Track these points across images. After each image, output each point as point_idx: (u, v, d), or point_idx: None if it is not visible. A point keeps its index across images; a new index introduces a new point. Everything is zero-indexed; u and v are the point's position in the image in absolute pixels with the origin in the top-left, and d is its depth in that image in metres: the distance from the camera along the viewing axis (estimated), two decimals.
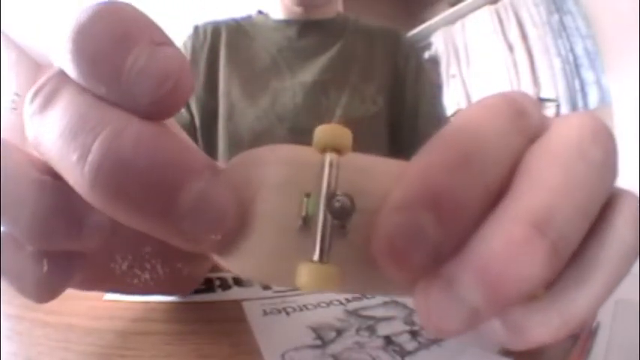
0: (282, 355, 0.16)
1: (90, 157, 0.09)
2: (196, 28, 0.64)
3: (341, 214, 0.10)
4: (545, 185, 0.11)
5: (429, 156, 0.11)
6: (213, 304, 0.23)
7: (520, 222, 0.10)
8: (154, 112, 0.10)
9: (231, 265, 0.12)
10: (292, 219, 0.11)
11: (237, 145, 0.59)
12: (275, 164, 0.11)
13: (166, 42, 0.10)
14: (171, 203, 0.10)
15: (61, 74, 0.11)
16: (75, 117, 0.10)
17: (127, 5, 0.11)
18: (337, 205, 0.10)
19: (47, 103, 0.11)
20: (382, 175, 0.11)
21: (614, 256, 0.11)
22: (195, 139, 0.61)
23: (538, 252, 0.10)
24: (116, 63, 0.10)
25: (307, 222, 0.10)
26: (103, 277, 0.17)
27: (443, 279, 0.10)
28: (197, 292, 0.24)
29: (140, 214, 0.10)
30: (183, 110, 0.61)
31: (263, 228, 0.11)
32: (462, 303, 0.10)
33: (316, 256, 0.10)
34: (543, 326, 0.12)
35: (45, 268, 0.13)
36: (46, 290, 0.14)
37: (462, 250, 0.10)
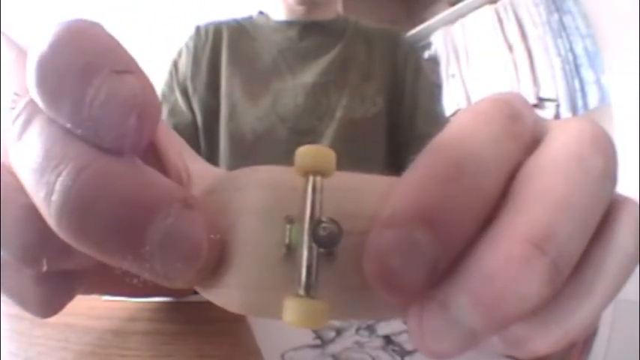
0: (282, 355, 0.16)
1: (53, 197, 0.09)
2: (198, 29, 0.65)
3: (327, 243, 0.10)
4: (544, 199, 0.10)
5: (420, 169, 0.10)
6: (212, 304, 0.22)
7: (519, 240, 0.09)
8: (120, 146, 0.10)
9: (212, 297, 0.11)
10: (275, 247, 0.10)
11: (238, 145, 0.59)
12: (255, 188, 0.11)
13: (129, 69, 0.10)
14: (137, 242, 0.09)
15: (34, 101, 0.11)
16: (41, 152, 0.10)
17: (91, 27, 0.10)
18: (323, 233, 0.09)
19: (22, 133, 0.10)
20: (370, 195, 0.11)
21: (615, 265, 0.11)
22: (197, 139, 0.61)
23: (538, 271, 0.09)
24: (77, 97, 0.09)
25: (291, 250, 0.10)
26: (102, 277, 0.17)
27: (438, 300, 0.10)
28: (196, 292, 0.24)
29: (108, 254, 0.10)
30: (185, 110, 0.61)
31: (244, 258, 0.10)
32: (458, 325, 0.09)
33: (302, 291, 0.09)
34: (543, 338, 0.11)
35: (46, 288, 0.13)
36: (50, 308, 0.14)
37: (458, 269, 0.10)
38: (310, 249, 0.09)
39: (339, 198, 0.10)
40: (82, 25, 0.10)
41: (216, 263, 0.10)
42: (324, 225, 0.10)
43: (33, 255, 0.11)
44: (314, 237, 0.09)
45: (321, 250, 0.10)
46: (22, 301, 0.14)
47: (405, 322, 0.19)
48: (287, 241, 0.10)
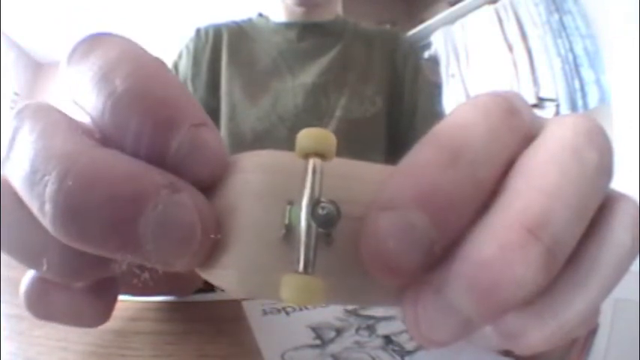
0: (282, 355, 0.16)
1: (46, 208, 0.09)
2: (198, 31, 0.65)
3: (326, 223, 0.10)
4: (539, 187, 0.10)
5: (419, 155, 0.11)
6: (213, 303, 0.23)
7: (514, 226, 0.10)
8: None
9: (212, 278, 0.11)
10: (275, 229, 0.10)
11: (238, 145, 0.59)
12: (255, 171, 0.11)
13: (205, 122, 0.11)
14: (132, 236, 0.09)
15: (25, 110, 0.11)
16: (27, 167, 0.10)
17: (164, 77, 0.11)
18: (322, 212, 0.10)
19: (9, 151, 0.11)
20: (369, 181, 0.11)
21: (611, 258, 0.11)
22: None
23: (533, 257, 0.09)
24: (159, 147, 0.10)
25: (290, 231, 0.10)
26: None
27: (433, 286, 0.10)
28: (197, 291, 0.24)
29: (109, 251, 0.10)
30: None
31: (244, 239, 0.10)
32: (453, 311, 0.09)
33: (301, 267, 0.10)
34: (538, 330, 0.11)
35: (99, 297, 0.14)
36: (105, 315, 0.14)
37: (453, 254, 0.10)
38: (309, 226, 0.10)
39: (338, 185, 0.11)
40: (151, 69, 0.11)
41: (215, 245, 0.11)
42: (323, 204, 0.10)
43: (72, 269, 0.12)
44: (313, 216, 0.10)
45: (320, 230, 0.10)
46: (77, 318, 0.14)
47: (403, 321, 0.19)
48: (286, 221, 0.10)
